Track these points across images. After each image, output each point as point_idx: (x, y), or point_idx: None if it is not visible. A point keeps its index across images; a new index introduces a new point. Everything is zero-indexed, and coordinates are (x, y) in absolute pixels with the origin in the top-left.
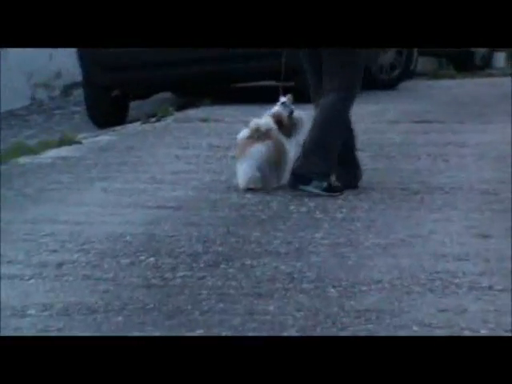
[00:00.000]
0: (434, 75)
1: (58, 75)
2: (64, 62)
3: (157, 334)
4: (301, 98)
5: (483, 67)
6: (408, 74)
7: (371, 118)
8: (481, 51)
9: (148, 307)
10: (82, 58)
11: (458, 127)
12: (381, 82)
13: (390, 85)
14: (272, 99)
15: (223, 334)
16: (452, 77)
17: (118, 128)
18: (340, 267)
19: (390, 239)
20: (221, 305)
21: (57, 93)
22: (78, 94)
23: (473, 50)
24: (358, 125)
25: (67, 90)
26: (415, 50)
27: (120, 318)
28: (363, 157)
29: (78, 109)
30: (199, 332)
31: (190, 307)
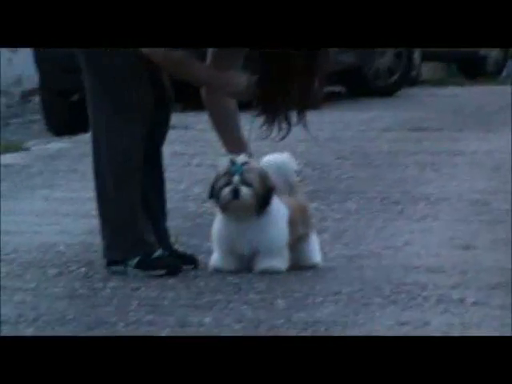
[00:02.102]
0: (440, 82)
1: (18, 81)
2: (25, 66)
3: None
4: None
5: (496, 74)
6: (409, 79)
7: (361, 125)
8: (493, 57)
9: (67, 318)
10: (38, 60)
11: (454, 135)
12: (377, 89)
13: (387, 91)
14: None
15: None
16: (460, 84)
17: (76, 136)
18: (295, 279)
19: (358, 250)
20: (150, 316)
21: (16, 100)
22: (38, 100)
23: (485, 55)
24: (345, 133)
25: (27, 96)
26: (417, 53)
27: (31, 330)
28: (344, 165)
29: (37, 117)
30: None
31: (114, 319)
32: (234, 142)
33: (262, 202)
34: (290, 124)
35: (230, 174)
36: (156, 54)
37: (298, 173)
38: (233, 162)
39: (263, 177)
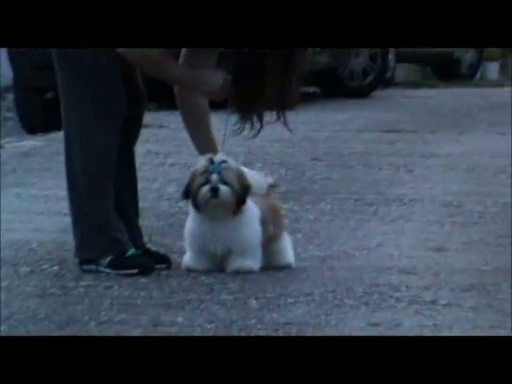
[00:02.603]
0: (414, 84)
1: None
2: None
3: None
4: None
5: (470, 76)
6: (383, 81)
7: (335, 126)
8: (468, 59)
9: (39, 317)
10: (13, 57)
11: (428, 137)
12: (351, 90)
13: (361, 93)
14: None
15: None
16: (434, 86)
17: (49, 134)
18: (268, 279)
19: (331, 251)
20: (122, 315)
21: None
22: (12, 98)
23: (459, 57)
24: (320, 133)
25: (0, 93)
26: (391, 55)
27: (2, 328)
28: (319, 166)
29: (11, 114)
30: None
31: (86, 317)
32: (204, 141)
33: (239, 200)
34: (262, 122)
35: (208, 172)
36: (131, 53)
37: (273, 186)
38: (211, 161)
39: (240, 176)
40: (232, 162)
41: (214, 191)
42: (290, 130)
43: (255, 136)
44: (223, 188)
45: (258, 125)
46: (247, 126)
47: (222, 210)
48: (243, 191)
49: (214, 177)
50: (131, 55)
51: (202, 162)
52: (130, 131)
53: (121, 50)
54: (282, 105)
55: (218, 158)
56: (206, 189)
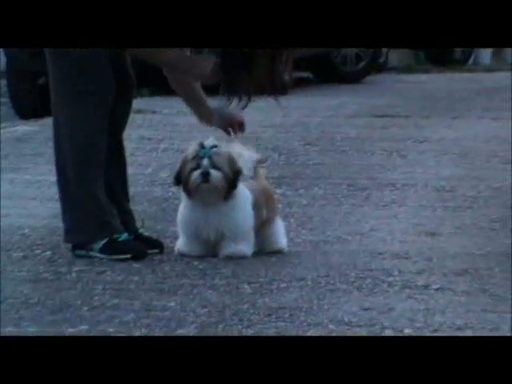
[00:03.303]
0: (407, 69)
1: None
2: None
3: (33, 329)
4: None
5: (464, 62)
6: (376, 66)
7: (328, 111)
8: None
9: (31, 302)
10: None
11: (422, 122)
12: (344, 75)
13: (354, 78)
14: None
15: (110, 330)
16: (427, 71)
17: (42, 119)
18: (261, 264)
19: (324, 236)
20: (115, 300)
21: None
22: (5, 83)
23: None
24: (312, 119)
25: None
26: None
27: None
28: (311, 151)
29: (4, 100)
30: (83, 328)
31: (79, 302)
32: (206, 112)
33: (230, 185)
34: (249, 98)
35: (198, 157)
36: None
37: (262, 161)
38: (202, 146)
39: (231, 160)
40: (223, 147)
41: (205, 176)
42: (279, 105)
43: (243, 108)
44: (214, 173)
45: (245, 100)
46: (235, 101)
47: (213, 195)
48: (234, 176)
49: (205, 161)
50: None
51: (192, 146)
52: (118, 118)
53: None
54: (273, 89)
55: (209, 142)
56: (196, 174)
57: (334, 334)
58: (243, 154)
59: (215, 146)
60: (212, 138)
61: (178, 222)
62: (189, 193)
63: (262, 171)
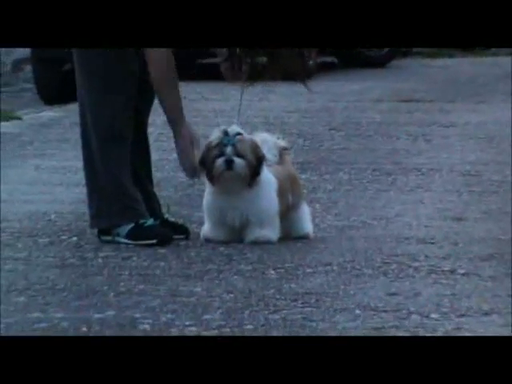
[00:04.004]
0: (432, 53)
1: (10, 50)
2: None
3: (60, 315)
4: None
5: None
6: (401, 51)
7: (353, 96)
8: None
9: (57, 287)
10: None
11: (447, 106)
12: (369, 60)
13: (379, 63)
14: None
15: (137, 315)
16: (451, 56)
17: (67, 105)
18: (287, 249)
19: (349, 221)
20: (141, 286)
21: (7, 68)
22: (30, 69)
23: None
24: (337, 104)
25: (18, 65)
26: None
27: (22, 299)
28: (336, 136)
29: (28, 86)
30: (109, 313)
31: (105, 288)
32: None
33: (254, 172)
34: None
35: (222, 144)
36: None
37: (286, 148)
38: (225, 133)
39: (254, 147)
40: (246, 134)
41: (229, 164)
42: (309, 89)
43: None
44: (238, 160)
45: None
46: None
47: (236, 183)
48: (258, 163)
49: (229, 149)
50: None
51: (216, 133)
52: (143, 106)
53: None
54: (302, 74)
55: (233, 129)
56: (220, 161)
57: (360, 320)
58: (267, 140)
59: (239, 134)
60: (236, 124)
61: (204, 209)
62: (212, 180)
63: (287, 157)
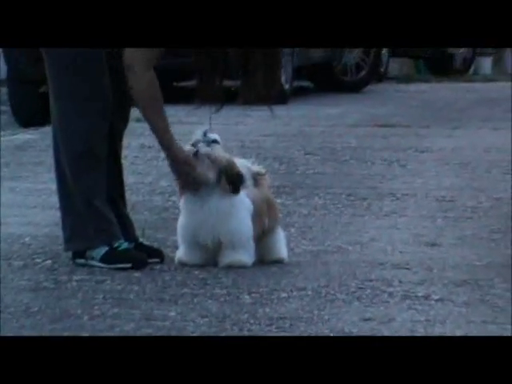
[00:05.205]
0: (408, 78)
1: None
2: None
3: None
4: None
5: (464, 72)
6: (377, 76)
7: (329, 120)
8: (461, 54)
9: (31, 310)
10: (6, 50)
11: (422, 132)
12: (345, 84)
13: (355, 87)
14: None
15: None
16: (427, 81)
17: (43, 127)
18: (262, 274)
19: (324, 246)
20: (115, 310)
21: None
22: (6, 91)
23: (453, 52)
24: (313, 128)
25: None
26: (384, 49)
27: None
28: (312, 160)
29: (4, 108)
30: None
31: (79, 311)
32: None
33: (230, 182)
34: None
35: (197, 141)
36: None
37: (260, 173)
38: (205, 134)
39: (230, 162)
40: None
41: (196, 152)
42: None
43: (216, 112)
44: (204, 149)
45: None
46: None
47: (202, 178)
48: (235, 177)
49: (201, 144)
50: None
51: (197, 133)
52: (116, 126)
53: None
54: (269, 97)
55: (213, 135)
56: (189, 148)
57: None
58: (242, 165)
59: (217, 142)
60: (217, 134)
61: (178, 230)
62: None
63: (264, 181)
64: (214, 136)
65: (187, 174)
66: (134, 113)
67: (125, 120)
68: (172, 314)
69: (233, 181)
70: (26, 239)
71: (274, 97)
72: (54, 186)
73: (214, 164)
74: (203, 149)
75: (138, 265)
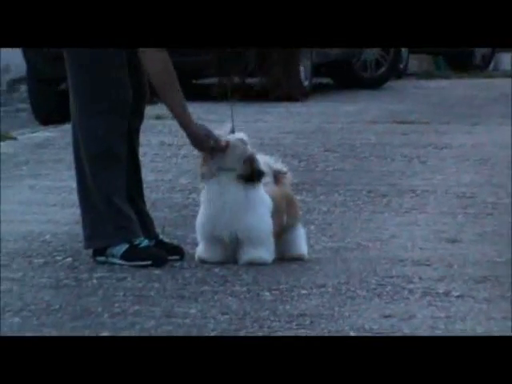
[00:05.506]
0: (427, 75)
1: (7, 69)
2: (12, 54)
3: (55, 335)
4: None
5: (483, 68)
6: (396, 72)
7: (348, 117)
8: (481, 51)
9: (52, 308)
10: (26, 48)
11: (442, 128)
12: (364, 81)
13: (374, 84)
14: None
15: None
16: (447, 77)
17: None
18: (282, 271)
19: (344, 243)
20: (136, 307)
21: (3, 88)
22: (26, 89)
23: (472, 48)
24: (332, 125)
25: (13, 85)
26: None
27: (16, 319)
28: (331, 157)
29: (24, 106)
30: (104, 335)
31: (100, 309)
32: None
33: (250, 175)
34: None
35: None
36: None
37: (281, 171)
38: (232, 131)
39: (251, 157)
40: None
41: (226, 141)
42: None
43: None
44: (234, 139)
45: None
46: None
47: (230, 167)
48: (255, 172)
49: (231, 135)
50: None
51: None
52: (133, 125)
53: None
54: (288, 91)
55: (239, 134)
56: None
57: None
58: (264, 162)
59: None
60: (243, 134)
61: (197, 227)
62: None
63: (285, 179)
64: (240, 135)
65: (210, 148)
66: (154, 110)
67: (140, 117)
68: (192, 311)
69: (252, 173)
70: (47, 237)
71: (300, 93)
72: (73, 184)
73: (240, 154)
74: (233, 139)
75: (158, 262)
